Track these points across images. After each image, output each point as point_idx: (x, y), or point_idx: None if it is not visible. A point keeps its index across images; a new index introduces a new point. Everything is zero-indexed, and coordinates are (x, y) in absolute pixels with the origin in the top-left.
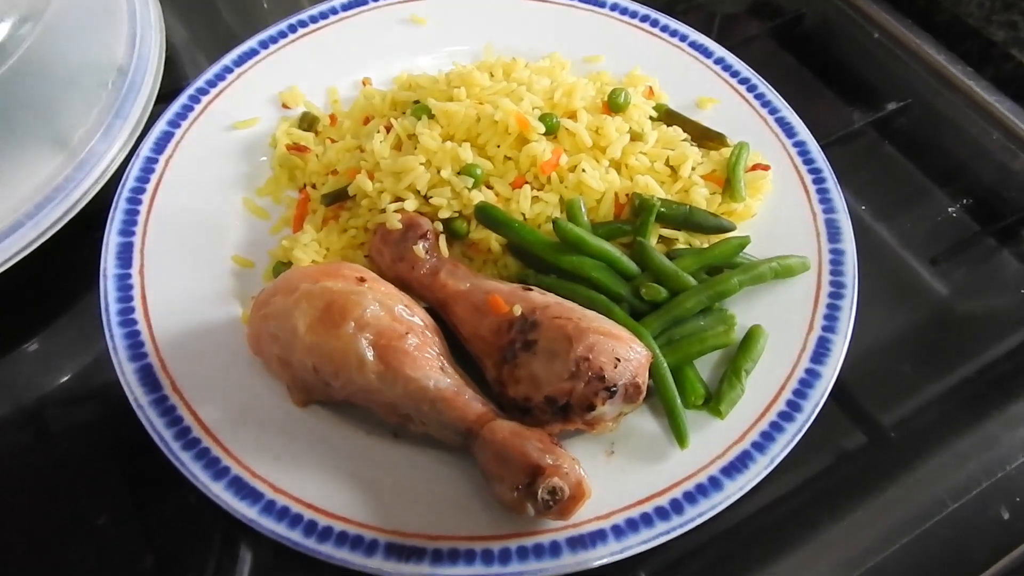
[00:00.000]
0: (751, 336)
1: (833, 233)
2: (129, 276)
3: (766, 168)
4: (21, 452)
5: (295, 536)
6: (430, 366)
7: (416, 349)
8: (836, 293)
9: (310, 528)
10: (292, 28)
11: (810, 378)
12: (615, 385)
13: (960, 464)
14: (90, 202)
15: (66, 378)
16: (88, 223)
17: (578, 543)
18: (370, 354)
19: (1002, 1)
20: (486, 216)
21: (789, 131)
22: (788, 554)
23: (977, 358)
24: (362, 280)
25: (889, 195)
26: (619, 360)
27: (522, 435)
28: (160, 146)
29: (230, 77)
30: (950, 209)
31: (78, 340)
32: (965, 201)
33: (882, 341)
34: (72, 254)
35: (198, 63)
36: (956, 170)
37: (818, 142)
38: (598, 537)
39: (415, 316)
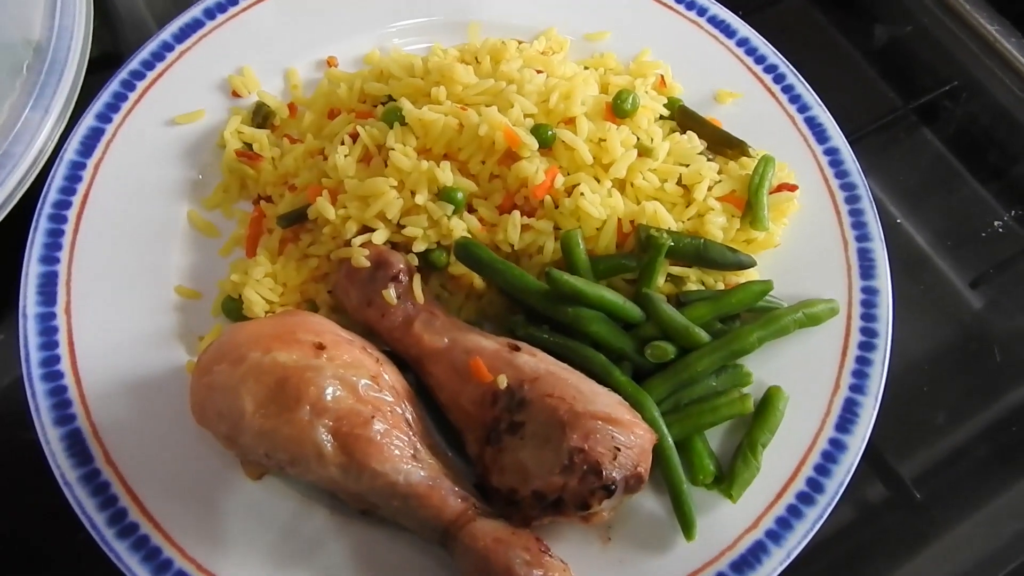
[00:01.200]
0: (769, 402)
1: (866, 267)
2: (53, 316)
3: (793, 188)
4: None
5: None
6: (401, 455)
7: (384, 436)
8: (867, 344)
9: None
10: None
11: (834, 450)
12: (614, 483)
13: (993, 532)
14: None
15: None
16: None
17: None
18: (329, 445)
19: None
20: (468, 256)
21: (821, 135)
22: None
23: (1014, 403)
24: (320, 348)
25: (929, 200)
26: (619, 449)
27: (506, 543)
28: (87, 147)
29: (170, 57)
30: (996, 223)
31: None
32: (1015, 212)
33: (910, 378)
34: None
35: (141, 21)
36: (1007, 171)
37: (852, 132)
38: None
39: (383, 391)
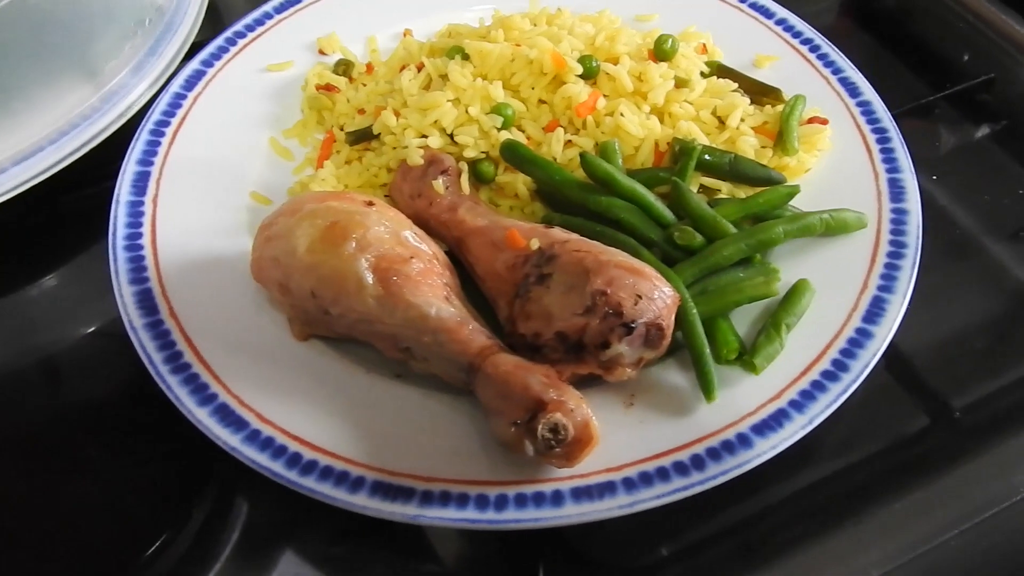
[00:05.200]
0: (796, 290)
1: (896, 193)
2: (142, 203)
3: (824, 122)
4: (27, 387)
5: (277, 467)
6: (433, 294)
7: (420, 275)
8: (896, 253)
9: (293, 460)
10: None
11: (861, 338)
12: (634, 322)
13: None
14: (116, 141)
15: (76, 317)
16: (111, 159)
17: (583, 493)
18: (369, 277)
19: None
20: (511, 153)
21: (853, 91)
22: (840, 533)
23: None
24: (371, 204)
25: (966, 171)
26: (640, 297)
27: (526, 368)
28: (191, 83)
29: (269, 23)
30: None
31: (89, 284)
32: None
33: (954, 321)
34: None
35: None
36: None
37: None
38: (606, 489)
39: (423, 244)
